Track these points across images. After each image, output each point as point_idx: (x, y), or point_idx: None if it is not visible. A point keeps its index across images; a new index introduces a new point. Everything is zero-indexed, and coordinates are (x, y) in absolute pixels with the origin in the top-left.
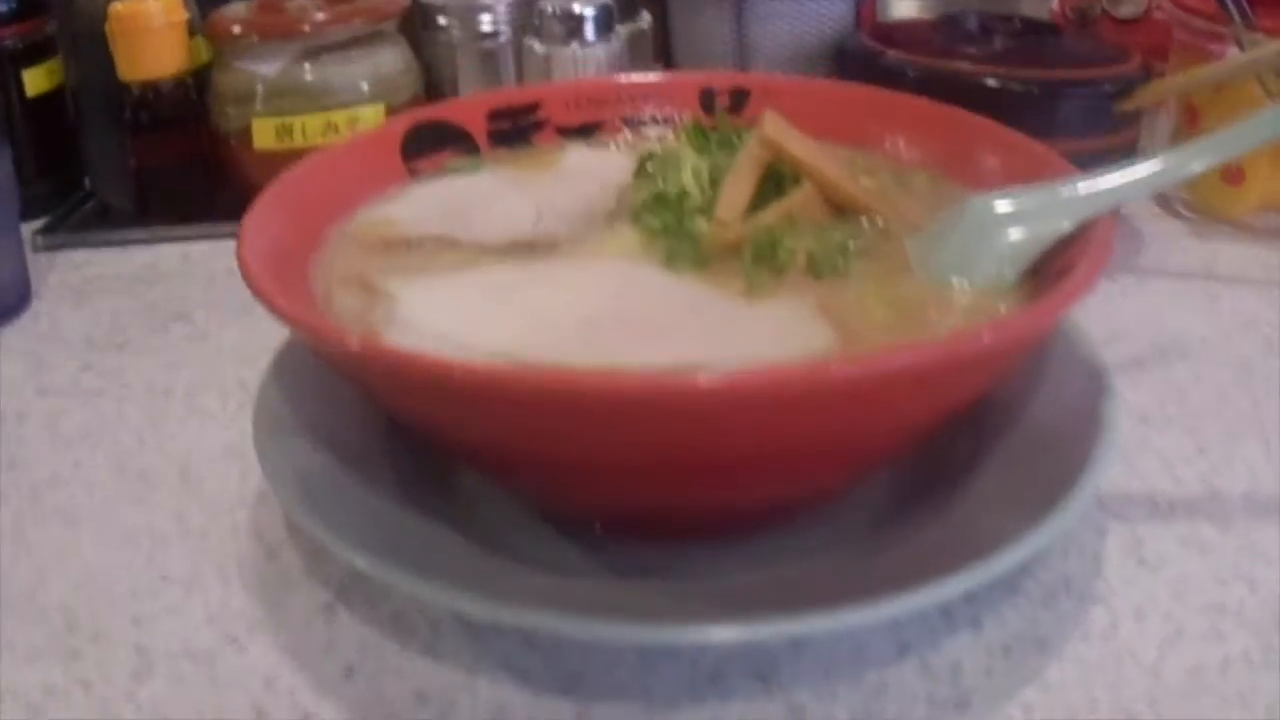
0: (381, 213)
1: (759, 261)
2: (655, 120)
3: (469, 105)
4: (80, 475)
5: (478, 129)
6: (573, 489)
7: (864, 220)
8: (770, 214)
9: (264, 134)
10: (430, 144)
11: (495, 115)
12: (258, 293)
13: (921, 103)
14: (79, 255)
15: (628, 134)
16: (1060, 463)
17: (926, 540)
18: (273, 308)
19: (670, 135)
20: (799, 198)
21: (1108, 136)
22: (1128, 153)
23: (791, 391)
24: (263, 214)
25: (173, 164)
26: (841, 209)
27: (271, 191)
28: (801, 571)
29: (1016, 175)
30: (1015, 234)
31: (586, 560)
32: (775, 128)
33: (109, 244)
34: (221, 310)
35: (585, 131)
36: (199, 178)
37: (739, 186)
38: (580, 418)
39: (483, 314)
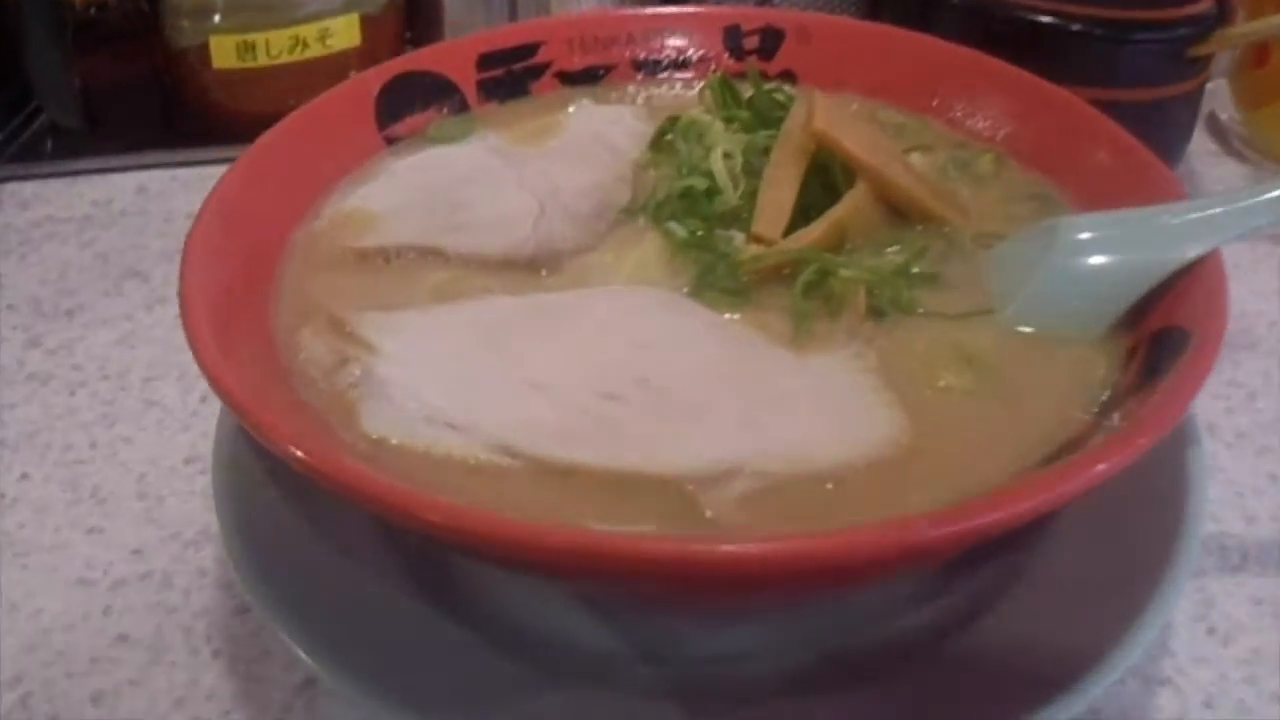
0: (354, 199)
1: (810, 295)
2: (672, 64)
3: (456, 50)
4: (29, 494)
5: (466, 79)
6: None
7: (925, 227)
8: (820, 228)
9: (223, 52)
10: (410, 102)
11: (487, 60)
12: (202, 365)
13: (992, 63)
14: (27, 189)
15: (640, 83)
16: (1138, 543)
17: (999, 651)
18: (221, 392)
19: (691, 90)
20: (852, 204)
21: (1174, 85)
22: (1191, 104)
23: (837, 561)
24: (211, 228)
25: (124, 84)
26: (898, 209)
27: (222, 193)
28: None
29: (1102, 171)
30: (1110, 269)
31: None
32: (826, 117)
33: (59, 175)
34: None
35: (591, 77)
36: (153, 99)
37: (781, 190)
38: (593, 575)
39: (479, 378)
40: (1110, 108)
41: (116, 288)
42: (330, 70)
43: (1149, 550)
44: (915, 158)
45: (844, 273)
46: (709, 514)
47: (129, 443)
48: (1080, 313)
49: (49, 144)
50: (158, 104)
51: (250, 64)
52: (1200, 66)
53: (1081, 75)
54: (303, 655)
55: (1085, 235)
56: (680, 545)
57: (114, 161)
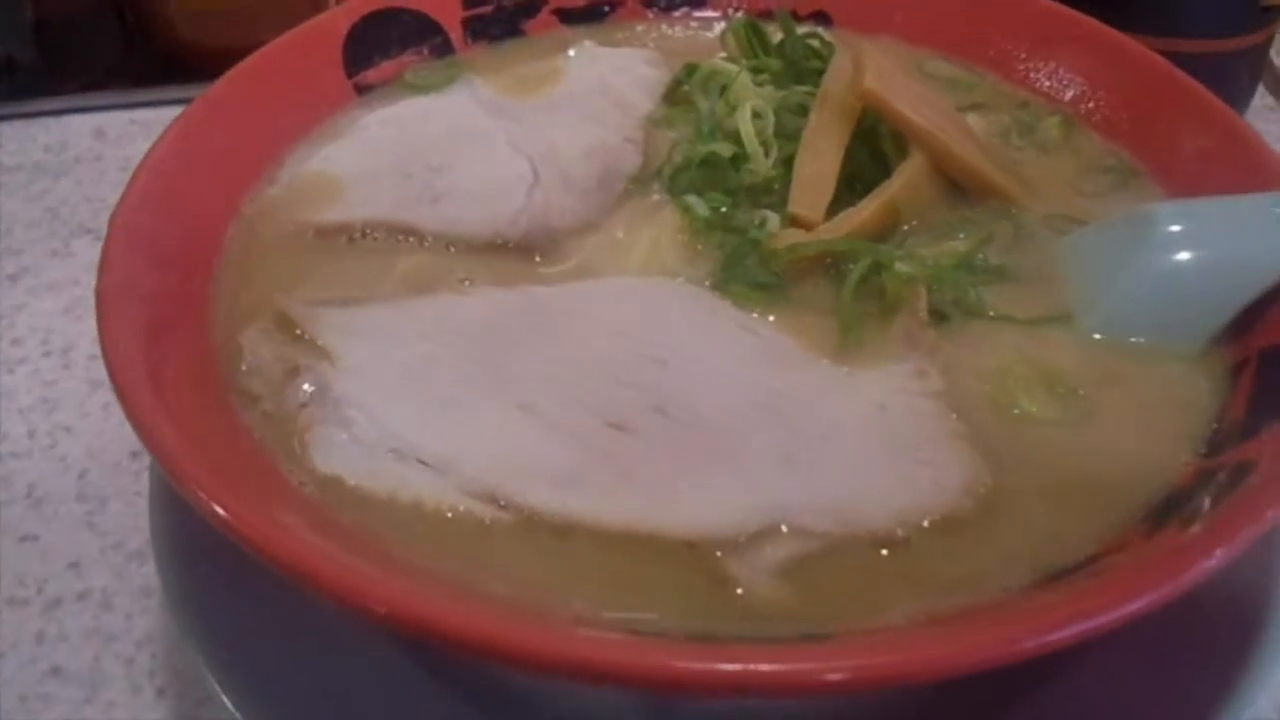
0: (317, 161)
1: (860, 296)
2: (686, 2)
3: None
4: None
5: (450, 17)
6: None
7: (987, 205)
8: (870, 209)
9: None
10: (385, 44)
11: None
12: (118, 390)
13: (1063, 12)
14: None
15: (651, 21)
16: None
17: None
18: (136, 425)
19: (710, 31)
20: (907, 179)
21: (1242, 36)
22: (1258, 58)
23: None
24: (142, 203)
25: (80, 14)
26: (956, 183)
27: (157, 158)
28: None
29: (1193, 146)
30: (1212, 270)
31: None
32: (878, 74)
33: (11, 117)
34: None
35: (595, 15)
36: (112, 33)
37: (822, 160)
38: (585, 683)
39: (457, 397)
40: (1172, 59)
41: (66, 247)
42: (305, 4)
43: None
44: (972, 119)
45: (900, 268)
46: (740, 590)
47: (70, 433)
48: (1176, 322)
49: (2, 84)
50: (118, 38)
51: None
52: (1271, 17)
53: (1143, 23)
54: None
55: (1181, 227)
56: (691, 666)
57: (70, 103)
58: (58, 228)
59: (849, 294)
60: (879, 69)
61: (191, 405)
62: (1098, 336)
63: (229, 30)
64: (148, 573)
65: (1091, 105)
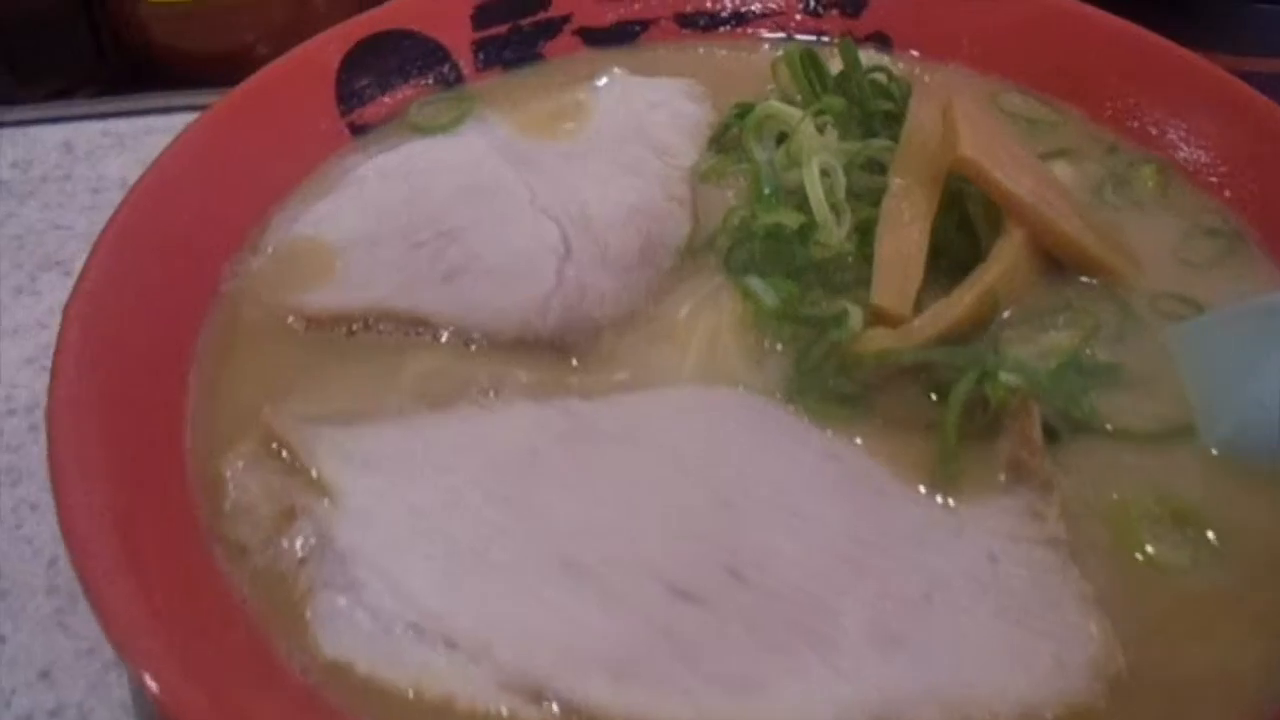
0: (306, 223)
1: (963, 415)
2: (730, 18)
3: (446, 1)
4: None
5: (458, 40)
6: None
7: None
8: (967, 299)
9: None
10: (384, 75)
11: (486, 13)
12: (74, 560)
13: (1156, 44)
14: None
15: (687, 42)
16: None
17: None
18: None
19: (754, 53)
20: (1009, 263)
21: None
22: None
23: None
24: (100, 290)
25: (45, 15)
26: (1054, 256)
27: (119, 226)
28: None
29: None
30: None
31: None
32: (975, 138)
33: None
34: None
35: (624, 36)
36: (81, 35)
37: (907, 237)
38: None
39: (490, 551)
40: (1246, 79)
41: (32, 283)
42: (290, 6)
43: None
44: (1060, 169)
45: (1006, 377)
46: None
47: (37, 511)
48: None
49: None
50: (86, 41)
51: None
52: None
53: (1209, 38)
54: None
55: None
56: None
57: (35, 112)
58: (23, 259)
59: (953, 419)
60: (974, 127)
61: (165, 572)
62: (1228, 457)
63: (205, 32)
64: (129, 683)
65: (1188, 152)
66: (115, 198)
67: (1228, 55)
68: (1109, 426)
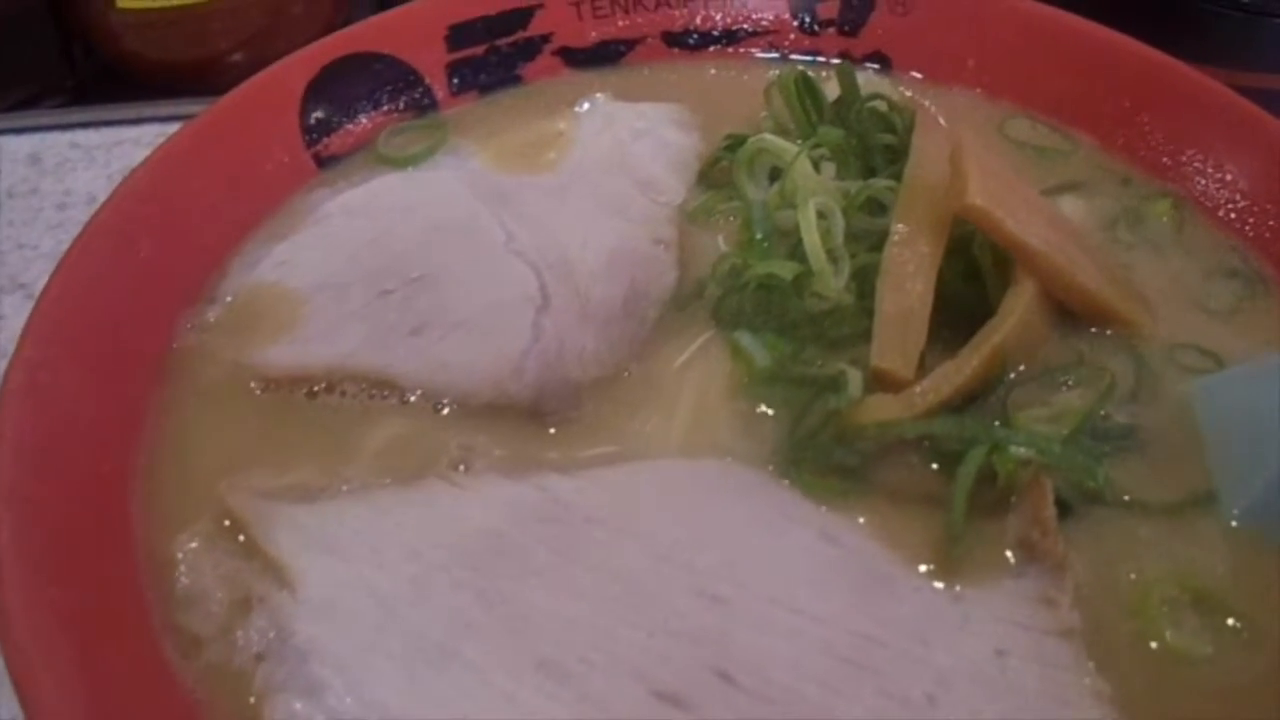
0: (267, 268)
1: (971, 491)
2: (718, 39)
3: (416, 20)
4: None
5: (432, 63)
6: None
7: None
8: (976, 359)
9: None
10: (351, 102)
11: (461, 34)
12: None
13: (1173, 68)
14: None
15: (674, 63)
16: None
17: None
18: None
19: (746, 74)
20: (1020, 319)
21: None
22: None
23: None
24: (53, 331)
25: (11, 21)
26: (1065, 305)
27: (62, 284)
28: None
29: None
30: None
31: None
32: (984, 184)
33: None
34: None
35: (605, 56)
36: (49, 42)
37: (910, 292)
38: None
39: (460, 650)
40: (1257, 96)
41: None
42: (265, 12)
43: None
44: (1070, 204)
45: (1017, 451)
46: None
47: None
48: None
49: None
50: (54, 48)
51: (161, 3)
52: None
53: (1222, 55)
54: None
55: None
56: None
57: (3, 123)
58: None
59: (960, 500)
60: (984, 170)
61: (109, 669)
62: (1250, 530)
63: (177, 40)
64: None
65: (1205, 184)
66: (81, 215)
67: (1242, 71)
68: (1126, 498)
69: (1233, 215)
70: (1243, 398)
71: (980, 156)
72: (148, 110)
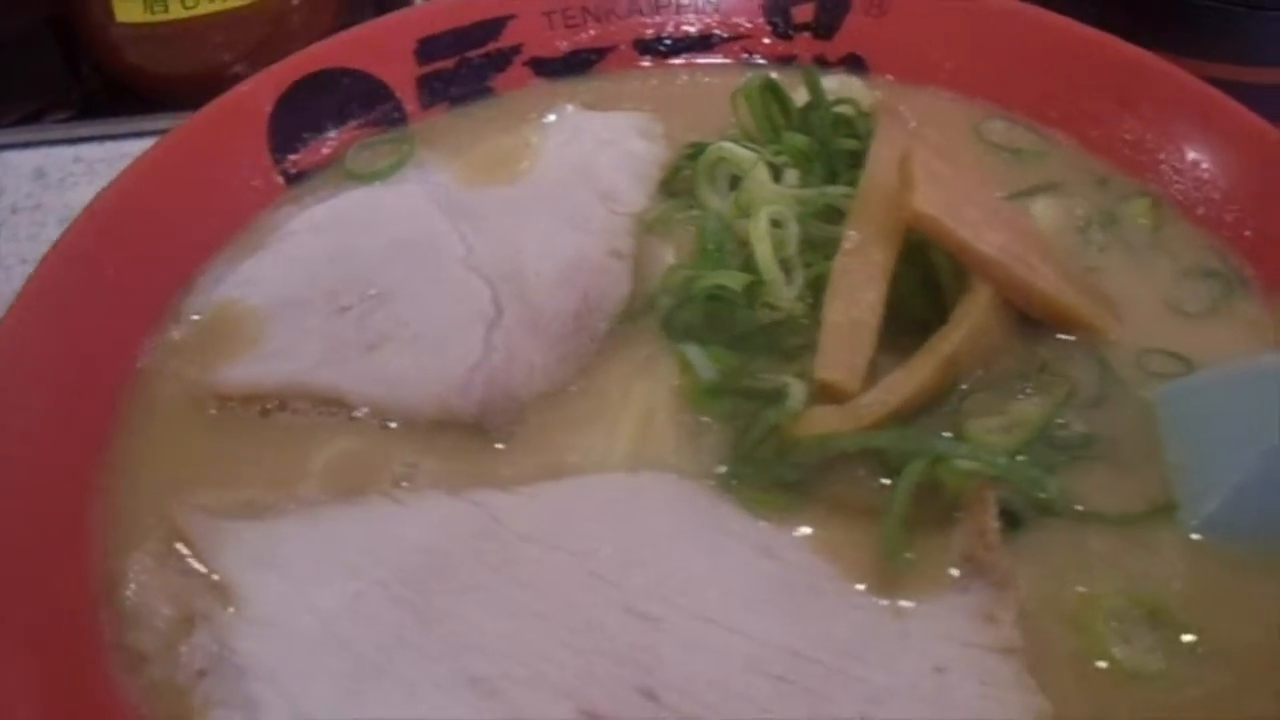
0: (231, 284)
1: (910, 505)
2: (691, 46)
3: (386, 34)
4: None
5: (401, 76)
6: None
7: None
8: (925, 370)
9: (127, 2)
10: (320, 117)
11: (431, 46)
12: None
13: (1153, 64)
14: None
15: (646, 72)
16: None
17: None
18: None
19: (719, 79)
20: (972, 328)
21: None
22: None
23: None
24: (14, 358)
25: (15, 37)
26: (1027, 313)
27: (37, 293)
28: None
29: None
30: None
31: None
32: (931, 192)
33: None
34: None
35: (577, 65)
36: (49, 56)
37: (859, 303)
38: None
39: (395, 667)
40: (1238, 90)
41: None
42: (265, 23)
43: None
44: (1043, 207)
45: (962, 464)
46: None
47: None
48: None
49: None
50: (58, 63)
51: (160, 16)
52: None
53: (1212, 49)
54: None
55: None
56: None
57: (6, 137)
58: None
59: (897, 512)
60: (933, 178)
61: (57, 695)
62: (1213, 542)
63: (178, 53)
64: None
65: (1185, 184)
66: None
67: (1231, 65)
68: (1079, 508)
69: (1212, 214)
70: (1207, 404)
71: (930, 163)
72: (151, 124)
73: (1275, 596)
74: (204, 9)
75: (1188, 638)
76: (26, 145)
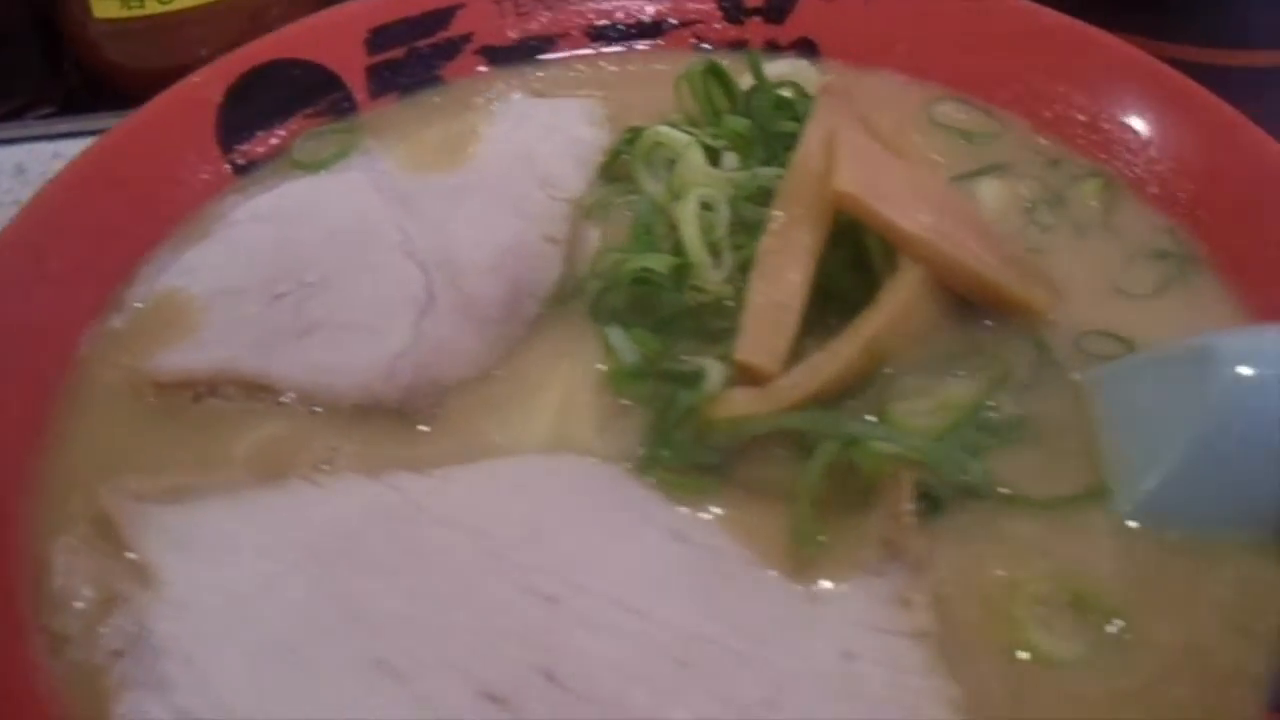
0: (174, 274)
1: (826, 485)
2: (642, 33)
3: (335, 25)
4: None
5: (351, 66)
6: None
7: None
8: (846, 353)
9: None
10: (270, 108)
11: (381, 36)
12: None
13: (1106, 41)
14: None
15: (597, 59)
16: None
17: None
18: None
19: (671, 65)
20: (896, 309)
21: None
22: None
23: None
24: None
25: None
26: (963, 295)
27: None
28: None
29: (1270, 227)
30: None
31: None
32: (854, 170)
33: None
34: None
35: (527, 52)
36: (31, 53)
37: (782, 284)
38: None
39: (302, 647)
40: (1215, 73)
41: None
42: (243, 18)
43: None
44: (989, 188)
45: (879, 447)
46: None
47: None
48: (1253, 503)
49: None
50: (39, 59)
51: (136, 11)
52: None
53: (1182, 31)
54: None
55: (1254, 372)
56: None
57: None
58: None
59: (807, 495)
60: (857, 155)
61: None
62: (1145, 527)
63: (156, 49)
64: None
65: (1138, 164)
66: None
67: (1201, 47)
68: (1005, 491)
69: (1166, 193)
70: (1140, 387)
71: (858, 143)
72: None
73: (1204, 583)
74: (180, 4)
75: (1113, 625)
76: (8, 142)
